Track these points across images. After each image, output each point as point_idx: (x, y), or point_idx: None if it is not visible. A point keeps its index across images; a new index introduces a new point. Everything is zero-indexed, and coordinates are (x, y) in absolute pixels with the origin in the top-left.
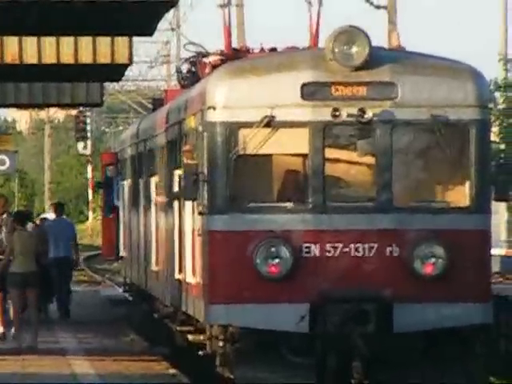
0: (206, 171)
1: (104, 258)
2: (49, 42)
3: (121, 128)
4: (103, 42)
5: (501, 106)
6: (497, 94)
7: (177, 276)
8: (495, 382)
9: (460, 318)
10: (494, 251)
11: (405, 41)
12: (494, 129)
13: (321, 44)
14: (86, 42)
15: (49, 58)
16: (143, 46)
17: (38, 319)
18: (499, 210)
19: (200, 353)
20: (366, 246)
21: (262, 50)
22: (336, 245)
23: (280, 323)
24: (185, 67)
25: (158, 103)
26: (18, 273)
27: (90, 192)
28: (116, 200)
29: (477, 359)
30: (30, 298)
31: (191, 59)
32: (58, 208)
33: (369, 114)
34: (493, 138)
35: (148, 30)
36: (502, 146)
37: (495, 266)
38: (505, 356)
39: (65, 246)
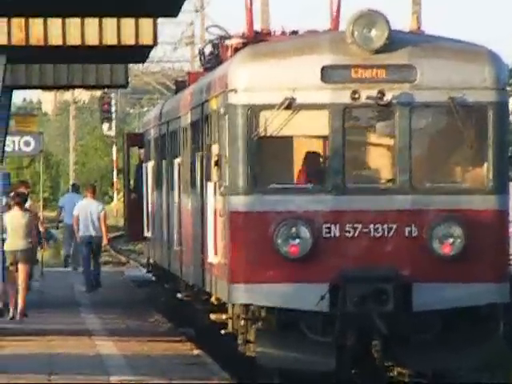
0: (227, 153)
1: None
2: (73, 23)
3: (145, 109)
4: (128, 23)
5: None
6: None
7: (200, 256)
8: None
9: (478, 297)
10: None
11: (428, 23)
12: None
13: (342, 27)
14: (110, 23)
15: (73, 39)
16: (168, 27)
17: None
18: None
19: (222, 332)
20: (385, 226)
21: (283, 33)
22: (355, 225)
23: (300, 302)
24: (207, 50)
25: (180, 85)
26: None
27: (115, 173)
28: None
29: (494, 339)
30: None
31: (214, 42)
32: (94, 190)
33: (388, 97)
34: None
35: (172, 11)
36: None
37: None
38: None
39: (94, 225)
